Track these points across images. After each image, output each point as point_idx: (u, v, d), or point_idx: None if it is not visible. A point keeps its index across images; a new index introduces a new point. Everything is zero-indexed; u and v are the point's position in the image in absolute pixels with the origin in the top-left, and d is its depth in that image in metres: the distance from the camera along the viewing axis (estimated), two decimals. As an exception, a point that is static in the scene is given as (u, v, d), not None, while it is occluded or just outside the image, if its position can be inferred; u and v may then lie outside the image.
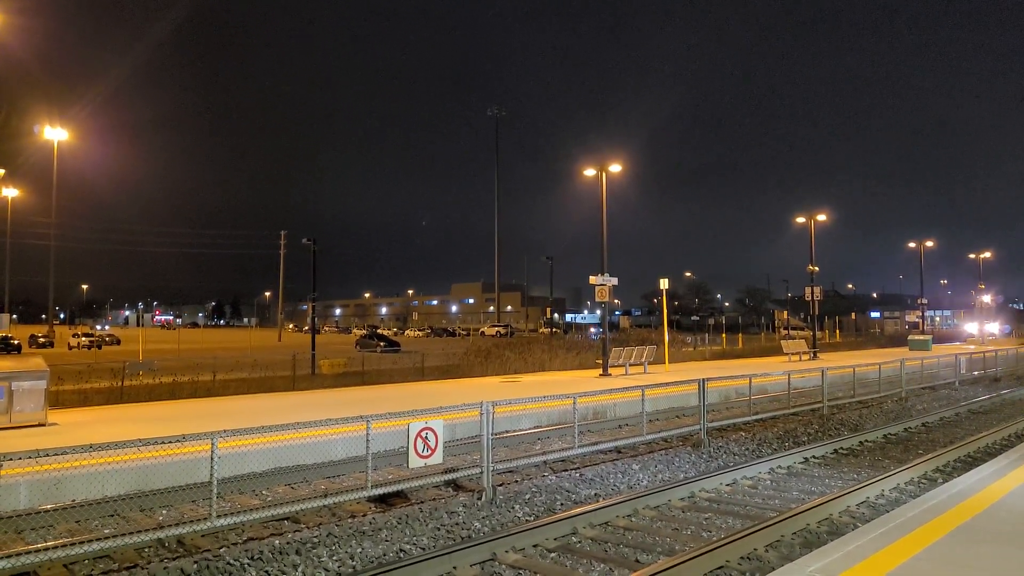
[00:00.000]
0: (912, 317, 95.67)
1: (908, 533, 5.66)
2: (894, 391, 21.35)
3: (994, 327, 64.85)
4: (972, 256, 64.84)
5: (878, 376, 21.42)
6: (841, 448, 12.94)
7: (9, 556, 6.27)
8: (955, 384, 25.05)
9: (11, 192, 48.89)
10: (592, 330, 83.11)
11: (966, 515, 6.24)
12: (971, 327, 66.28)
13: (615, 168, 26.88)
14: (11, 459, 6.43)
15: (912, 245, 57.20)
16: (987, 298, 66.17)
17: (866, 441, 13.78)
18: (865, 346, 57.30)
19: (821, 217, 39.09)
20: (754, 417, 15.77)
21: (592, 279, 25.43)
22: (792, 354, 35.31)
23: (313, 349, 33.06)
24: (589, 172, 27.28)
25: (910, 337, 48.32)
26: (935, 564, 4.92)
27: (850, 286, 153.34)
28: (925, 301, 60.86)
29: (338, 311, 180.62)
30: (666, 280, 30.44)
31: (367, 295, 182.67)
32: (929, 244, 56.85)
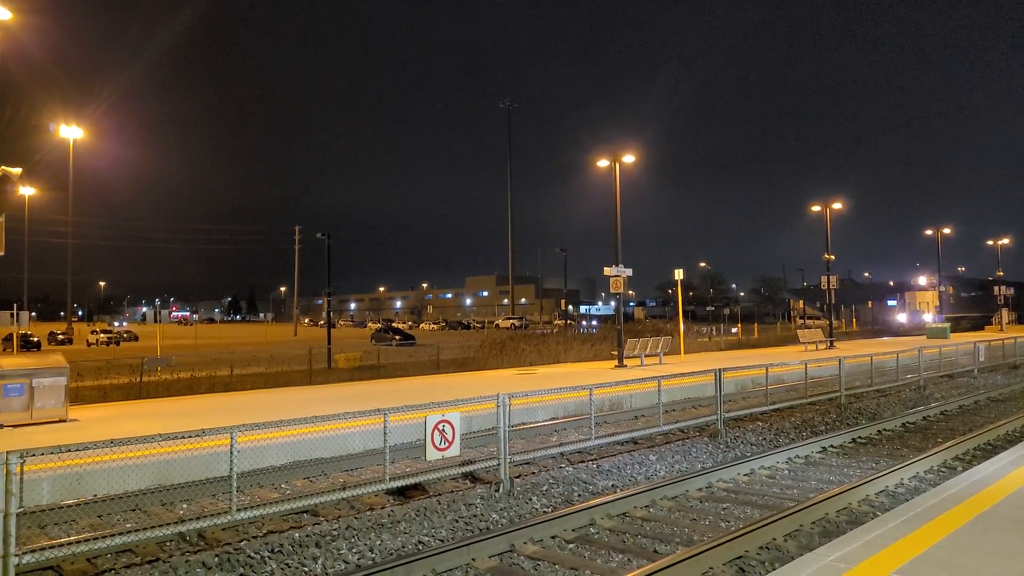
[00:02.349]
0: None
1: (928, 521, 5.62)
2: (912, 379, 21.18)
3: (928, 317, 52.18)
4: (990, 243, 64.24)
5: (896, 364, 21.26)
6: (859, 437, 12.87)
7: (33, 551, 6.35)
8: (974, 372, 24.83)
9: (28, 191, 49.38)
10: (583, 322, 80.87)
11: (987, 503, 6.19)
12: (902, 317, 56.30)
13: (628, 159, 26.76)
14: (34, 455, 6.50)
15: (929, 232, 56.65)
16: (923, 280, 54.22)
17: (884, 430, 13.69)
18: (882, 334, 56.88)
19: (837, 205, 38.84)
20: (771, 407, 15.69)
21: (606, 270, 25.37)
22: (808, 343, 35.12)
23: (329, 343, 33.26)
24: (602, 163, 27.18)
25: (927, 325, 47.91)
26: (956, 552, 4.88)
27: (866, 274, 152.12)
28: (943, 289, 60.27)
29: (353, 305, 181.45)
30: (680, 271, 30.32)
31: (382, 289, 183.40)
32: (946, 231, 56.23)
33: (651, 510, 8.40)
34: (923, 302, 58.58)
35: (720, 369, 13.71)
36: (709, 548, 6.37)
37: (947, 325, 46.36)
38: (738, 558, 6.53)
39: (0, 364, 13.27)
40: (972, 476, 7.32)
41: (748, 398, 18.17)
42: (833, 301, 38.81)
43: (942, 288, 59.35)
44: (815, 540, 6.98)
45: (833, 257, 38.49)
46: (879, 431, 13.52)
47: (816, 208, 39.07)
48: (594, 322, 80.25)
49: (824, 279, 37.69)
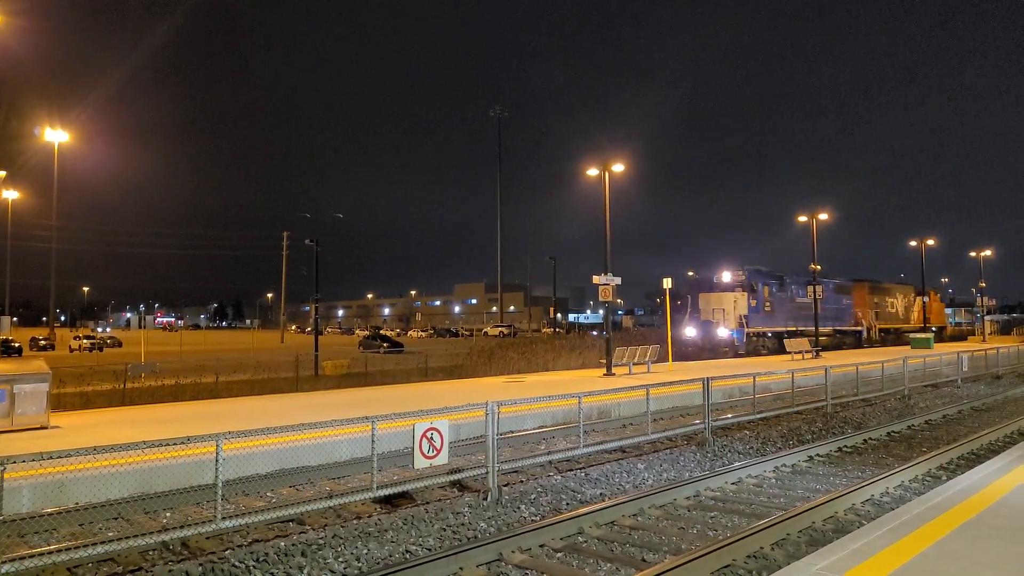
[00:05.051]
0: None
1: (913, 530, 5.64)
2: (897, 389, 21.32)
3: (724, 332, 38.52)
4: (973, 254, 64.90)
5: (881, 374, 21.40)
6: (845, 446, 12.92)
7: (12, 560, 6.26)
8: (957, 382, 25.02)
9: (12, 194, 48.89)
10: (594, 332, 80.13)
11: (971, 512, 6.22)
12: (691, 330, 41.35)
13: (618, 168, 26.82)
14: (15, 462, 6.42)
15: (914, 243, 57.09)
16: (727, 276, 39.35)
17: (870, 439, 13.75)
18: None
19: (823, 216, 39.01)
20: (758, 416, 15.75)
21: (595, 279, 25.39)
22: (795, 352, 35.27)
23: (316, 350, 33.09)
24: (592, 172, 27.23)
25: (912, 336, 48.24)
26: (941, 561, 4.90)
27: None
28: (927, 299, 60.68)
29: (341, 312, 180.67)
30: (669, 280, 30.42)
31: (370, 296, 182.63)
32: (931, 242, 56.69)
33: (639, 519, 8.39)
34: (719, 309, 41.20)
35: (708, 378, 13.74)
36: (697, 557, 6.36)
37: (931, 336, 46.68)
38: (726, 567, 6.53)
39: (-18, 370, 13.11)
40: (957, 485, 7.36)
41: (735, 407, 18.21)
42: (820, 310, 39.03)
43: (763, 288, 42.87)
44: (802, 549, 6.99)
45: (820, 267, 38.74)
46: (865, 440, 13.59)
47: (803, 218, 39.26)
48: (593, 332, 79.84)
49: (810, 289, 37.91)
